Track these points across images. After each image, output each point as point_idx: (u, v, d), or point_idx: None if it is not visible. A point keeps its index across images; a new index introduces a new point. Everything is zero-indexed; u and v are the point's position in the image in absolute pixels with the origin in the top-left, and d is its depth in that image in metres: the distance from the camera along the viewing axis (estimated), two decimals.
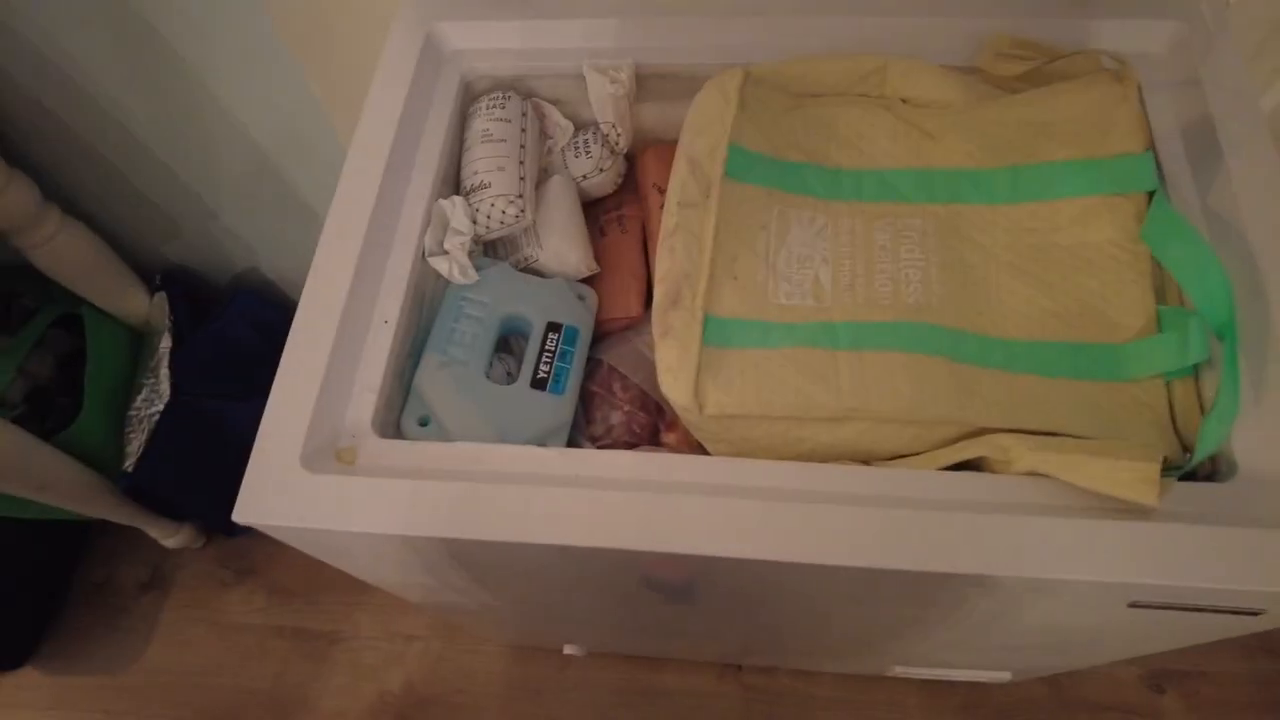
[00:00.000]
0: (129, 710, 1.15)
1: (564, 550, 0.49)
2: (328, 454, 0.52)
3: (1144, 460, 0.45)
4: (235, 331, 1.04)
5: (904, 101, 0.62)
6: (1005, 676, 0.93)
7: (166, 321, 1.03)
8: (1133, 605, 0.50)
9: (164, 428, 0.96)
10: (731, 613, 0.78)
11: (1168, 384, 0.53)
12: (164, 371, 1.00)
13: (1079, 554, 0.45)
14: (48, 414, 1.02)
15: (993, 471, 0.50)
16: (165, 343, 1.02)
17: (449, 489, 0.49)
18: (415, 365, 0.60)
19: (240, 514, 0.50)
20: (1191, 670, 1.07)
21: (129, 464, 0.97)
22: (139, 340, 1.08)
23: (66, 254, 0.96)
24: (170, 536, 1.15)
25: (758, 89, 0.62)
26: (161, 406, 0.98)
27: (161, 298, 1.06)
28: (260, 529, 0.50)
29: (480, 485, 0.49)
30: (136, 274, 1.07)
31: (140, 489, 0.99)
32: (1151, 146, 0.57)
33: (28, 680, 1.17)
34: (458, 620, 1.12)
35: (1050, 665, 0.90)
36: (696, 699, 1.10)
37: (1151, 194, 0.56)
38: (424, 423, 0.58)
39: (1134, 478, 0.45)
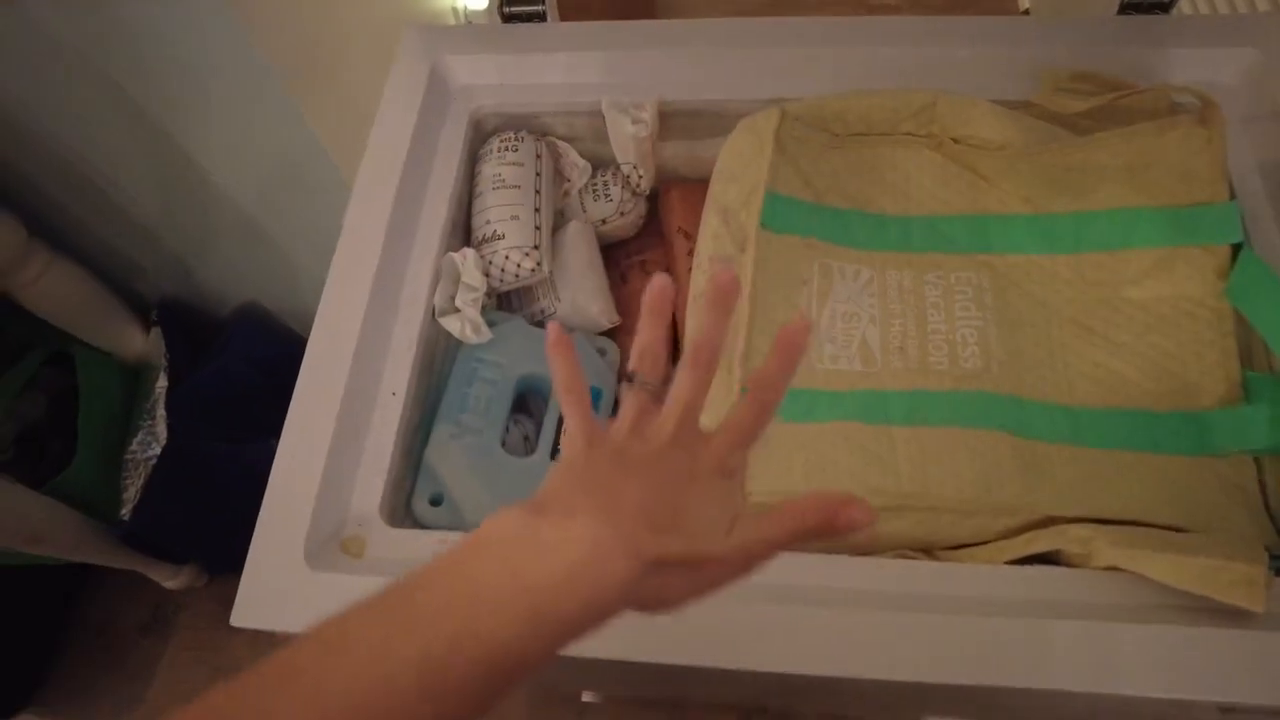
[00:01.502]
0: None
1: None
2: (333, 546, 0.48)
3: (1247, 561, 0.40)
4: (235, 369, 0.99)
5: (955, 141, 0.57)
6: None
7: (163, 359, 0.98)
8: (1225, 711, 0.45)
9: (161, 474, 0.92)
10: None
11: (1257, 461, 0.48)
12: (160, 413, 0.95)
13: (1169, 670, 0.40)
14: (40, 457, 0.97)
15: (1068, 564, 0.46)
16: (162, 382, 0.97)
17: None
18: (426, 438, 0.55)
19: (239, 618, 0.45)
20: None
21: (126, 511, 0.93)
22: (134, 378, 1.04)
23: (56, 292, 0.91)
24: (171, 579, 1.10)
25: (794, 127, 0.57)
26: (159, 450, 0.94)
27: (157, 333, 1.01)
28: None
29: None
30: (131, 309, 1.02)
31: (138, 537, 0.95)
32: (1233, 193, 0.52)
33: None
34: None
35: None
36: None
37: (1236, 247, 0.50)
38: (436, 502, 0.53)
39: (1236, 579, 0.40)
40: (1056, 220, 0.55)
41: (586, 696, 1.01)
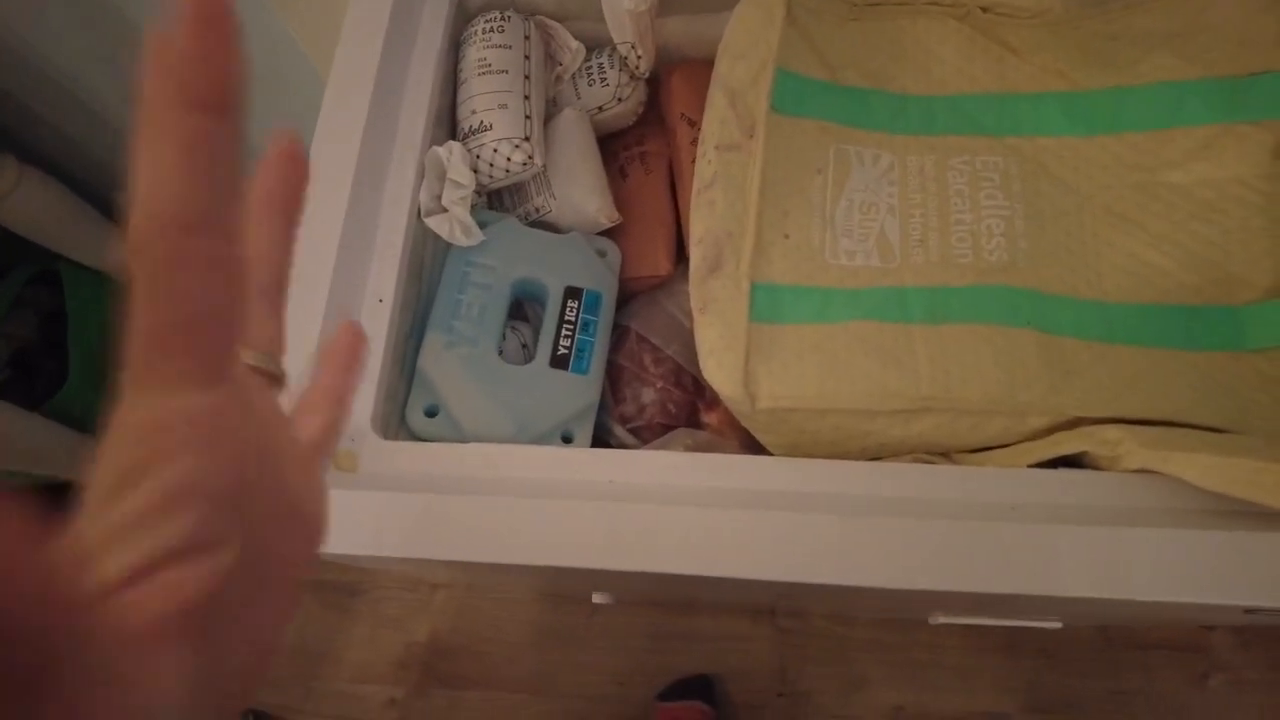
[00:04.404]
0: None
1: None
2: (325, 462, 0.46)
3: None
4: None
5: (984, 11, 0.52)
6: (1056, 625, 0.89)
7: None
8: (1249, 611, 0.44)
9: None
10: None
11: None
12: None
13: (1202, 576, 0.39)
14: (35, 377, 0.96)
15: (1096, 467, 0.43)
16: None
17: (464, 505, 0.43)
18: (418, 346, 0.52)
19: None
20: None
21: None
22: (124, 292, 1.00)
23: (30, 206, 0.87)
24: None
25: None
26: None
27: None
28: None
29: (501, 499, 0.43)
30: (114, 222, 0.98)
31: None
32: None
33: None
34: (480, 584, 1.10)
35: (1114, 618, 0.85)
36: (730, 642, 1.08)
37: None
38: (431, 413, 0.51)
39: (1277, 481, 0.38)
40: (1094, 97, 0.50)
41: (597, 598, 1.03)
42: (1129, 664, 1.03)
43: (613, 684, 1.08)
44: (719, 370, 0.45)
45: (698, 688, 1.04)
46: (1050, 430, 0.44)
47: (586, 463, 0.45)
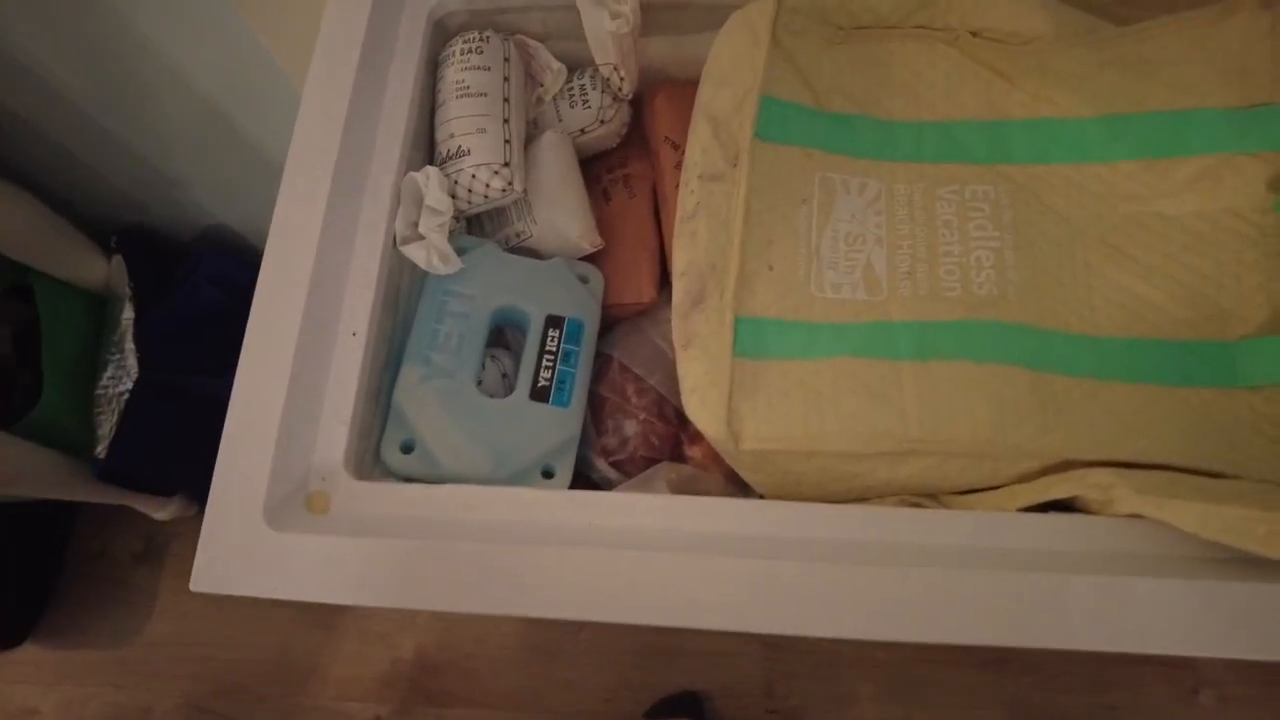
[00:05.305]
0: (137, 684, 1.12)
1: None
2: (296, 503, 0.44)
3: None
4: (203, 295, 0.94)
5: (974, 35, 0.50)
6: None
7: (127, 289, 0.93)
8: None
9: (134, 409, 0.88)
10: None
11: None
12: (129, 345, 0.91)
13: (1197, 629, 0.38)
14: (10, 392, 0.94)
15: (1087, 510, 0.42)
16: (128, 312, 0.92)
17: (440, 551, 0.41)
18: (393, 379, 0.51)
19: (198, 583, 0.42)
20: None
21: (101, 449, 0.90)
22: (100, 307, 0.98)
23: (3, 219, 0.85)
24: (159, 510, 1.09)
25: (793, 19, 0.50)
26: (130, 385, 0.90)
27: (119, 261, 0.95)
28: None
29: (477, 545, 0.42)
30: (89, 236, 0.96)
31: (116, 475, 0.92)
32: None
33: (30, 656, 1.13)
34: None
35: None
36: (718, 658, 1.07)
37: None
38: (407, 449, 0.49)
39: (1271, 531, 0.37)
40: (1087, 125, 0.49)
41: None
42: (1118, 680, 1.02)
43: (600, 701, 1.07)
44: (702, 408, 0.43)
45: (686, 705, 1.03)
46: (1041, 473, 0.43)
47: (566, 506, 0.44)
